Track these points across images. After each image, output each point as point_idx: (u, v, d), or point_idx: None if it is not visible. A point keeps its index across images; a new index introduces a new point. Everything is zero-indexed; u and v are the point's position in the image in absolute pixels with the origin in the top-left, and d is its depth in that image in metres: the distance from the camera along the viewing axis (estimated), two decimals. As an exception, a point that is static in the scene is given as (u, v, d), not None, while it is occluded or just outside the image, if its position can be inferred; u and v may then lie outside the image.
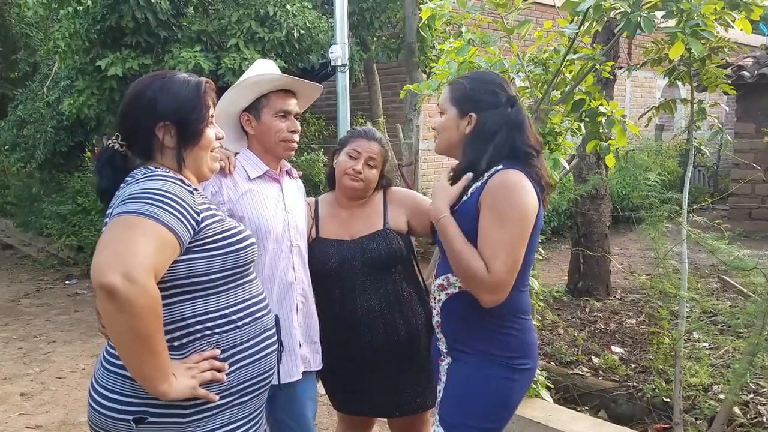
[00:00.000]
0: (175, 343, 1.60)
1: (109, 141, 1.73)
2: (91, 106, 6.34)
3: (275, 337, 1.81)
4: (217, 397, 1.61)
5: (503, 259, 1.80)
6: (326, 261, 2.36)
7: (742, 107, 9.64)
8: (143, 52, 6.15)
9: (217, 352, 1.62)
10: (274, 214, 2.21)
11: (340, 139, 2.52)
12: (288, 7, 6.33)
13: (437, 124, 2.08)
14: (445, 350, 2.05)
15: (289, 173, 2.38)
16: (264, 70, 2.26)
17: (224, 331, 1.64)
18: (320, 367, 2.35)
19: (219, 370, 1.61)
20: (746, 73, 9.03)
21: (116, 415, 1.57)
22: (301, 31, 6.36)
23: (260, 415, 1.80)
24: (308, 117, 8.10)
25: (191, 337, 1.61)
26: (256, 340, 1.72)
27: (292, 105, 2.27)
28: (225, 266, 1.65)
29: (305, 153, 7.40)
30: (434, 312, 2.07)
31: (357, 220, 2.42)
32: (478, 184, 1.93)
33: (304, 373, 2.26)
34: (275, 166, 2.29)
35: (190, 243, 1.58)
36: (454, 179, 2.02)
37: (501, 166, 1.90)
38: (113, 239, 1.47)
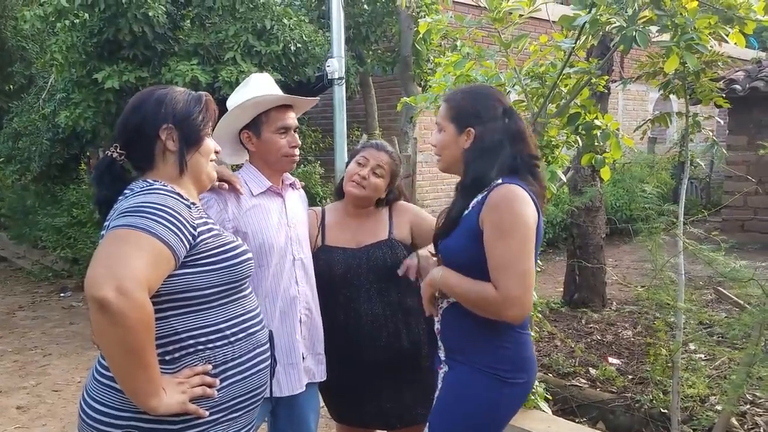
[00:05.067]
0: (167, 358, 1.59)
1: (108, 150, 1.73)
2: (87, 118, 6.34)
3: (268, 353, 1.81)
4: (207, 413, 1.60)
5: (511, 272, 1.80)
6: (332, 268, 2.38)
7: (734, 120, 9.73)
8: (140, 65, 6.17)
9: (209, 367, 1.62)
10: (278, 229, 2.22)
11: (351, 151, 2.57)
12: (285, 21, 6.37)
13: (437, 142, 2.07)
14: (443, 358, 2.07)
15: (292, 185, 2.40)
16: (262, 87, 2.26)
17: (217, 347, 1.64)
18: (324, 378, 2.35)
19: (210, 386, 1.61)
20: (738, 87, 9.12)
21: (105, 428, 1.57)
22: (298, 45, 6.40)
23: (251, 431, 1.80)
24: (304, 129, 8.13)
25: (183, 352, 1.61)
26: (248, 356, 1.72)
27: (291, 120, 2.28)
28: (220, 281, 1.65)
29: (302, 165, 7.42)
30: (436, 319, 2.09)
31: (363, 229, 2.44)
32: (479, 198, 1.94)
33: (307, 384, 2.26)
34: (277, 181, 2.30)
35: (185, 257, 1.58)
36: (461, 193, 2.03)
37: (500, 181, 1.91)
38: (108, 253, 1.48)
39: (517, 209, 1.85)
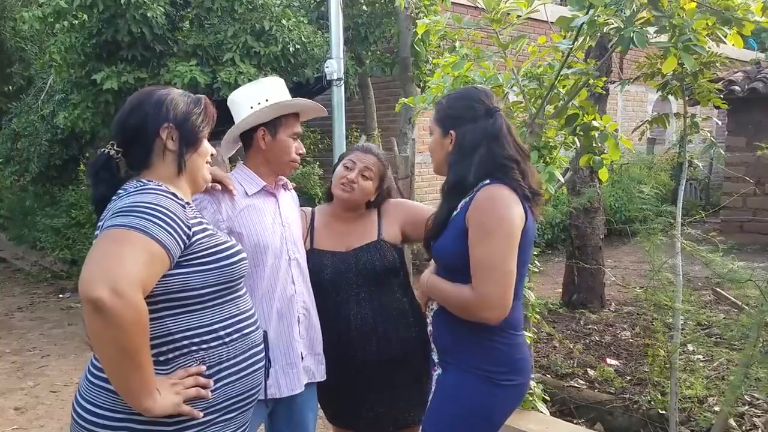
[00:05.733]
0: (161, 358, 1.59)
1: (104, 149, 1.72)
2: (86, 119, 6.34)
3: (263, 354, 1.81)
4: (202, 414, 1.60)
5: (490, 273, 1.81)
6: (321, 272, 2.37)
7: (733, 121, 9.73)
8: (139, 66, 6.17)
9: (203, 368, 1.61)
10: (272, 228, 2.21)
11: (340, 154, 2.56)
12: (284, 22, 6.37)
13: (429, 145, 2.13)
14: (436, 360, 2.07)
15: (284, 186, 2.39)
16: (279, 89, 2.28)
17: (211, 347, 1.64)
18: (324, 378, 2.33)
19: (204, 387, 1.60)
20: (737, 88, 9.13)
21: (98, 430, 1.56)
22: (297, 46, 6.40)
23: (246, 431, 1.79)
24: (303, 130, 8.14)
25: (177, 353, 1.60)
26: (243, 357, 1.71)
27: (300, 128, 2.33)
28: (215, 281, 1.64)
29: (301, 166, 7.42)
30: (428, 321, 2.09)
31: (352, 232, 2.43)
32: (466, 199, 1.94)
33: (306, 385, 2.25)
34: (271, 181, 2.30)
35: (180, 257, 1.57)
36: (444, 196, 2.04)
37: (488, 181, 1.92)
38: (101, 253, 1.47)
39: (500, 210, 1.85)
